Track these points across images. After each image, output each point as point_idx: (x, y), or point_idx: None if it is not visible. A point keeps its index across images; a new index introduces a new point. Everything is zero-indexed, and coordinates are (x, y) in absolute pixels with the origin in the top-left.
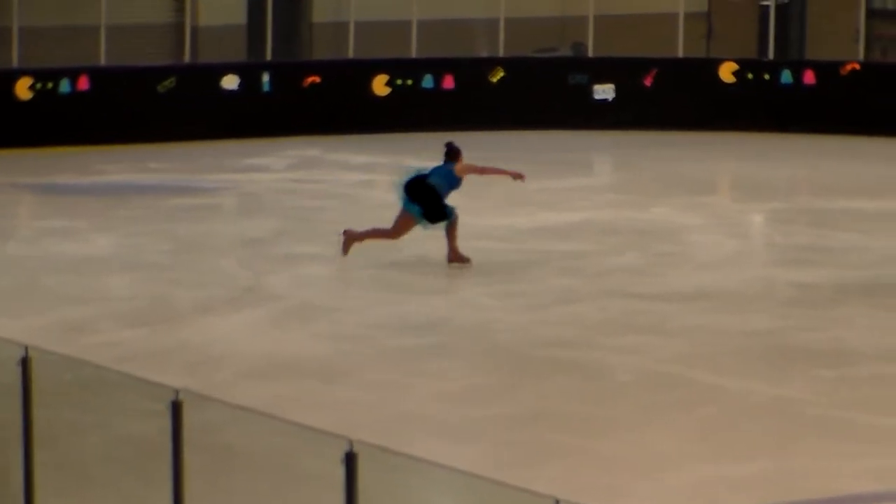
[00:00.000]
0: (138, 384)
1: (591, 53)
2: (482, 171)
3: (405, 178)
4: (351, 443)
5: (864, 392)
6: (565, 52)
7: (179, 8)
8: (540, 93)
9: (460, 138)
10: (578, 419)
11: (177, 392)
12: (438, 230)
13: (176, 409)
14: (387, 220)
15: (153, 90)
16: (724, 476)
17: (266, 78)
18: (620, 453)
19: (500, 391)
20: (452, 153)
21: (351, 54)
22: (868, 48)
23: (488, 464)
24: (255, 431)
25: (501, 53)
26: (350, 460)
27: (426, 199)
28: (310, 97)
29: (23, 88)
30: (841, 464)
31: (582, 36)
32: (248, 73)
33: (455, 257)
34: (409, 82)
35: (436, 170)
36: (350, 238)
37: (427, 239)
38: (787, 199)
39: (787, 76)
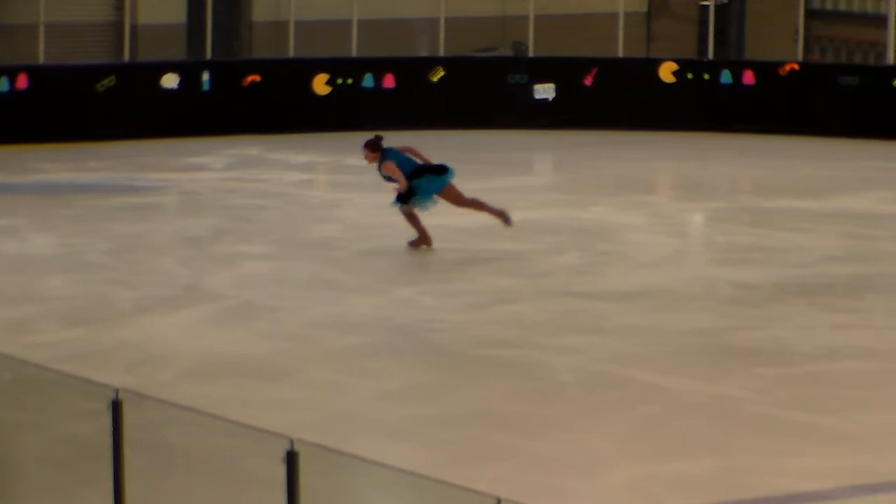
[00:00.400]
0: (78, 383)
1: (531, 53)
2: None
3: (418, 171)
4: (292, 442)
5: (803, 391)
6: (505, 51)
7: (119, 6)
8: (480, 92)
9: (400, 137)
10: (518, 419)
11: (116, 391)
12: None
13: (116, 408)
14: (329, 219)
15: (92, 89)
16: (665, 475)
17: (206, 77)
18: (561, 453)
19: (440, 391)
20: (378, 143)
21: (291, 53)
22: (807, 48)
23: (429, 463)
24: (196, 431)
25: (442, 53)
26: (291, 459)
27: (431, 170)
28: (250, 96)
29: None
30: (781, 462)
31: (522, 35)
32: (188, 71)
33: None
34: (350, 81)
35: (403, 155)
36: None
37: (370, 238)
38: (727, 198)
39: (726, 76)
